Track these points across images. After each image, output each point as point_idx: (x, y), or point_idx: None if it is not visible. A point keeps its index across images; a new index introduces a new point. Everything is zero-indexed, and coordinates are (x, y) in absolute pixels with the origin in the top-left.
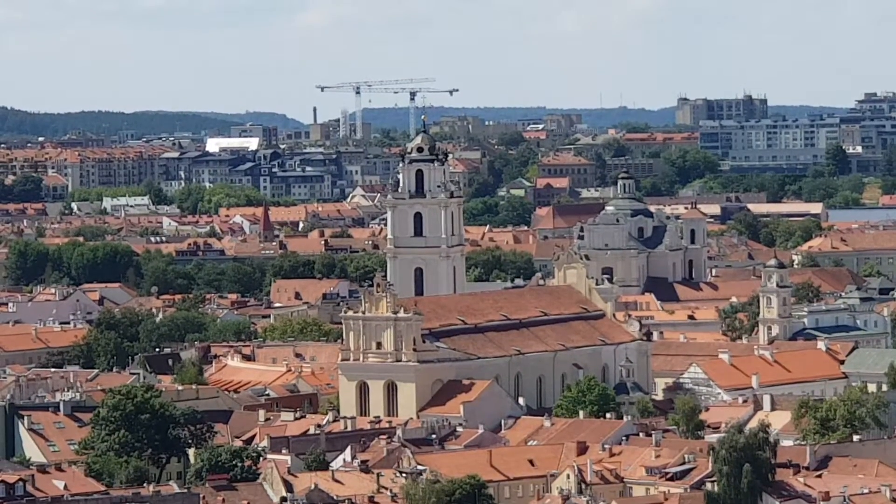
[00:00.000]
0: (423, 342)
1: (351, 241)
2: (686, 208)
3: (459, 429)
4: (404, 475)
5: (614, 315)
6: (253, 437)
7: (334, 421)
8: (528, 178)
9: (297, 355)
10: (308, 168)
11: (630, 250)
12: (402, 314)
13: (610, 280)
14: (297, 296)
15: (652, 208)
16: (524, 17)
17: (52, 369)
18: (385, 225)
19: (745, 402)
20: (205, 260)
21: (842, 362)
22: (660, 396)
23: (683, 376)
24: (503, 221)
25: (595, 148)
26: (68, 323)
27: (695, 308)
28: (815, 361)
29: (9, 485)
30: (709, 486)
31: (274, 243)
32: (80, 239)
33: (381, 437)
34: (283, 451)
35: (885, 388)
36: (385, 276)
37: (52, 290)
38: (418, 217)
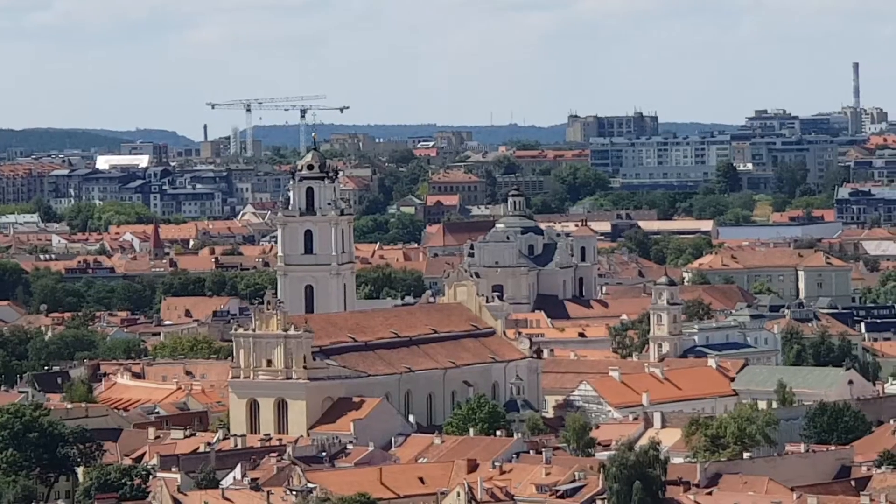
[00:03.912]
0: (314, 360)
1: (241, 258)
2: (576, 225)
3: (350, 446)
4: (294, 493)
5: (504, 332)
6: (142, 456)
7: (224, 439)
8: (419, 196)
9: (188, 373)
10: (198, 185)
11: (520, 268)
12: (292, 332)
13: (500, 297)
14: (188, 313)
15: (542, 225)
16: (414, 34)
17: None
18: (275, 242)
19: (635, 419)
20: (94, 278)
21: (732, 379)
22: (550, 414)
23: (574, 394)
24: (393, 239)
25: (485, 165)
26: None
27: (585, 325)
28: (706, 379)
29: None
30: (599, 503)
31: (164, 261)
32: None
33: (272, 454)
34: (173, 470)
35: (775, 405)
36: (275, 293)
37: None
38: (308, 234)
